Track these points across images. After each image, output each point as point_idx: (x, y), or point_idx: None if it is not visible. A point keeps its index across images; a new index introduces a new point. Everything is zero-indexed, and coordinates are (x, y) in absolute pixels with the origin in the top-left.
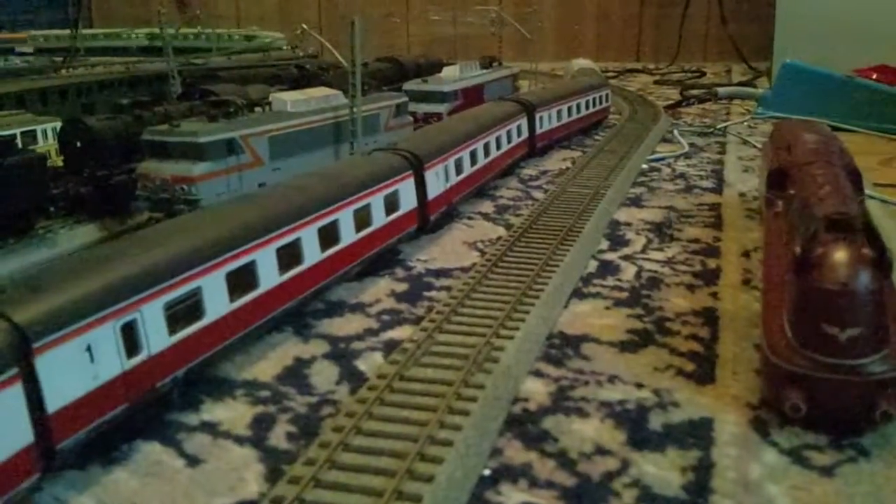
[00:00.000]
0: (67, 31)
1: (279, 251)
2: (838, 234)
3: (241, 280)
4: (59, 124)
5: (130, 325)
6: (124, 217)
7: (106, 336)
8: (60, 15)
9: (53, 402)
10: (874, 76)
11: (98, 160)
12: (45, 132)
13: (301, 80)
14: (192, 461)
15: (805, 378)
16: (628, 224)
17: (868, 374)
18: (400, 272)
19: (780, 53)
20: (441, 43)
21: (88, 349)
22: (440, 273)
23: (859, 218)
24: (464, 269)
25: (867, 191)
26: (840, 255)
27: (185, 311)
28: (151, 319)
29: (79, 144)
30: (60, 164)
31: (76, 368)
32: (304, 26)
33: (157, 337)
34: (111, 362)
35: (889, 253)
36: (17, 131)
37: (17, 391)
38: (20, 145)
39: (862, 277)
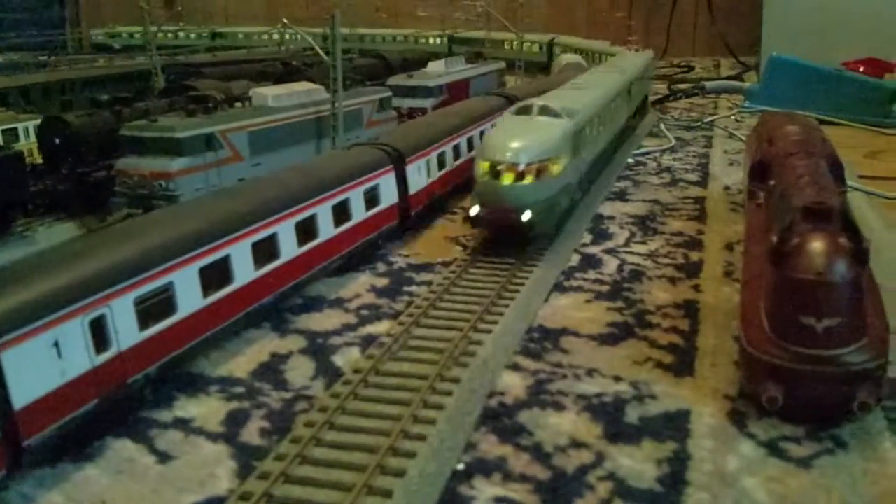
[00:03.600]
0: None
1: (255, 246)
2: (815, 223)
3: (216, 275)
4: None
5: (99, 320)
6: (103, 214)
7: (74, 331)
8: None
9: (19, 398)
10: (861, 69)
11: (77, 157)
12: (27, 130)
13: (286, 76)
14: (164, 458)
15: (782, 369)
16: (612, 218)
17: (845, 364)
18: (381, 267)
19: (768, 47)
20: None
21: (56, 344)
22: (421, 268)
23: (837, 207)
24: (445, 264)
25: (852, 182)
26: (816, 244)
27: (156, 306)
28: (121, 315)
29: (58, 141)
30: (40, 161)
31: (43, 364)
32: (285, 20)
33: (127, 332)
34: (80, 358)
35: (866, 243)
36: None
37: None
38: (1, 143)
39: (838, 267)
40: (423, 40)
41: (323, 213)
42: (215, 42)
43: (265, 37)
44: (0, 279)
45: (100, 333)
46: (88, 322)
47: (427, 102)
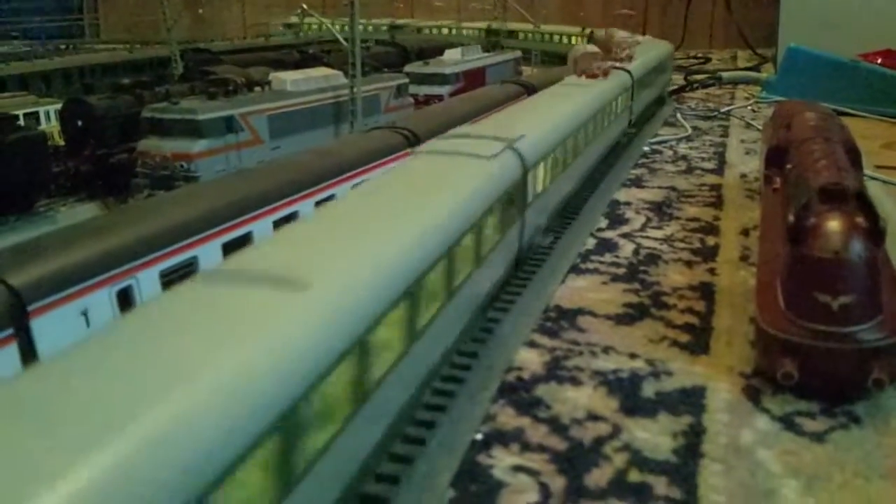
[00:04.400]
0: None
1: (276, 224)
2: (832, 204)
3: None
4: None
5: (126, 291)
6: (124, 195)
7: (102, 301)
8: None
9: None
10: (879, 60)
11: (99, 139)
12: (48, 113)
13: (302, 63)
14: None
15: (798, 346)
16: (628, 203)
17: (860, 341)
18: None
19: (785, 39)
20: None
21: (84, 313)
22: None
23: (853, 188)
24: None
25: (869, 172)
26: (833, 224)
27: (181, 279)
28: (148, 286)
29: (80, 123)
30: (62, 143)
31: (72, 332)
32: (304, 6)
33: None
34: None
35: (882, 222)
36: (21, 112)
37: (11, 352)
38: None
39: (855, 246)
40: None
41: (343, 194)
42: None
43: (434, 31)
44: (30, 249)
45: (127, 304)
46: (116, 292)
47: (443, 90)
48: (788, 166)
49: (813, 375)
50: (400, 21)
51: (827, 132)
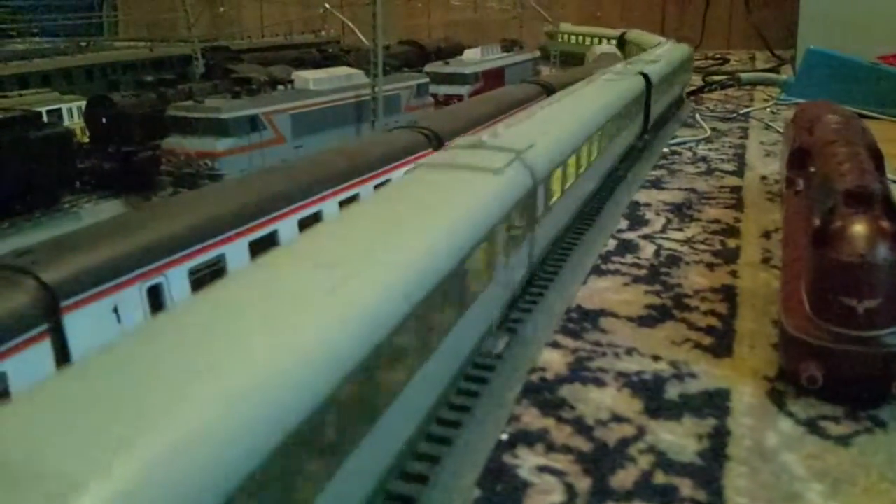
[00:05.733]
0: None
1: (301, 223)
2: (857, 207)
3: (264, 249)
4: (84, 103)
5: (156, 288)
6: (148, 193)
7: (132, 298)
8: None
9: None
10: None
11: (123, 137)
12: (70, 111)
13: (323, 63)
14: None
15: (822, 350)
16: (648, 205)
17: (886, 345)
18: None
19: (804, 40)
20: (462, 27)
21: (115, 310)
22: None
23: (879, 192)
24: None
25: (891, 175)
26: (858, 227)
27: (209, 277)
28: (177, 284)
29: (104, 120)
30: (86, 140)
31: (103, 328)
32: (327, 5)
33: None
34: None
35: None
36: (44, 109)
37: (45, 348)
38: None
39: (880, 250)
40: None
41: (366, 193)
42: None
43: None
44: (63, 246)
45: (157, 301)
46: (146, 289)
47: (463, 90)
48: (812, 169)
49: (838, 379)
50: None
51: (850, 134)
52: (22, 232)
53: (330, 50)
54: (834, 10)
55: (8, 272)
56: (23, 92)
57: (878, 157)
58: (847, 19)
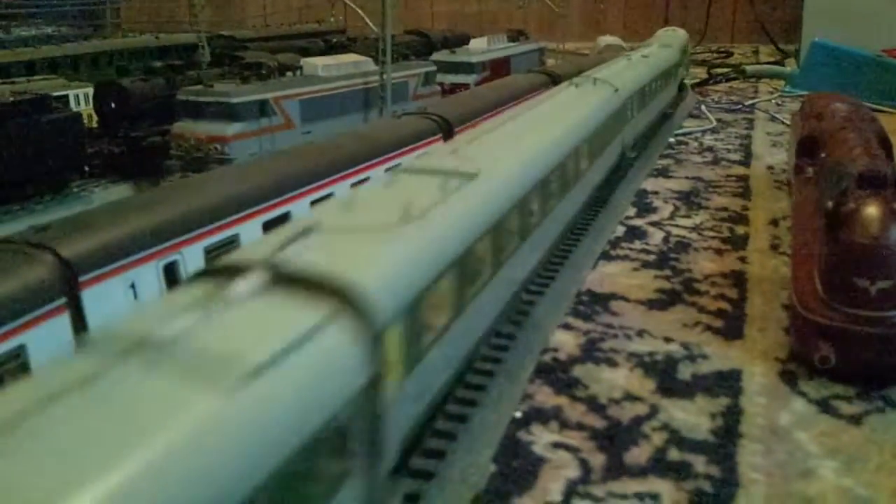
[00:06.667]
0: None
1: (313, 204)
2: (870, 190)
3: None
4: (91, 90)
5: (172, 265)
6: (157, 177)
7: (149, 275)
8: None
9: None
10: None
11: (132, 121)
12: (77, 97)
13: (329, 52)
14: None
15: (835, 330)
16: (655, 193)
17: None
18: None
19: (808, 34)
20: (465, 18)
21: (132, 286)
22: None
23: (891, 175)
24: None
25: None
26: (871, 210)
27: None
28: (193, 262)
29: (113, 105)
30: (94, 126)
31: (120, 304)
32: None
33: None
34: None
35: None
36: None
37: (63, 321)
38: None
39: (893, 231)
40: None
41: (376, 177)
42: None
43: None
44: (81, 222)
45: (173, 278)
46: (163, 266)
47: (470, 78)
48: (822, 155)
49: (850, 359)
50: None
51: (859, 122)
52: (33, 215)
53: (335, 39)
54: (838, 3)
55: (27, 247)
56: (30, 78)
57: (887, 145)
58: (851, 12)
